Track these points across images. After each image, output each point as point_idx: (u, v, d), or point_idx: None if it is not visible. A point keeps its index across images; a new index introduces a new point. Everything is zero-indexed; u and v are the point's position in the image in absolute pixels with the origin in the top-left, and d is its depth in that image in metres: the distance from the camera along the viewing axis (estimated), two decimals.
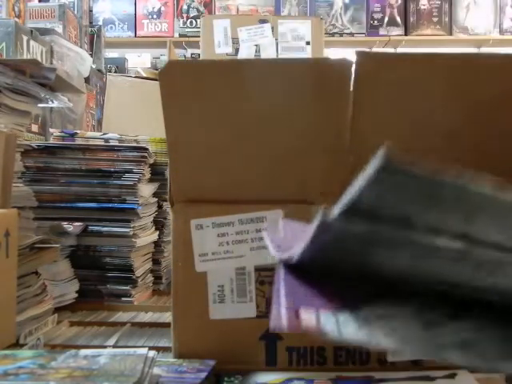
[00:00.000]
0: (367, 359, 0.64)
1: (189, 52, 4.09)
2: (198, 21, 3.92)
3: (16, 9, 1.73)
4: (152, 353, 0.55)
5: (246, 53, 2.30)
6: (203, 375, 0.57)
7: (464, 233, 0.22)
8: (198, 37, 2.69)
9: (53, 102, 1.02)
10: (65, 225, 1.05)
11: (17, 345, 0.76)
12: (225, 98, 0.64)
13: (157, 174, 1.16)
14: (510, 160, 0.65)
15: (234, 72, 0.64)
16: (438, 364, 0.62)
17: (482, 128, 0.63)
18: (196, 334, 0.64)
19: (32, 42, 1.53)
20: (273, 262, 0.57)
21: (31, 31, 1.55)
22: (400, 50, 3.87)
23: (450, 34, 3.98)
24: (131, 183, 1.07)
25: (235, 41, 2.33)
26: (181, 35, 4.09)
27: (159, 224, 1.20)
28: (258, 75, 0.64)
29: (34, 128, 1.42)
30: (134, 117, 1.71)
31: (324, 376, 0.61)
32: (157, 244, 1.19)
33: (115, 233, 1.07)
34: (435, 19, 3.98)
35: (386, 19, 4.01)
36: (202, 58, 2.49)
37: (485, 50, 3.95)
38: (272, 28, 2.31)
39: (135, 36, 4.12)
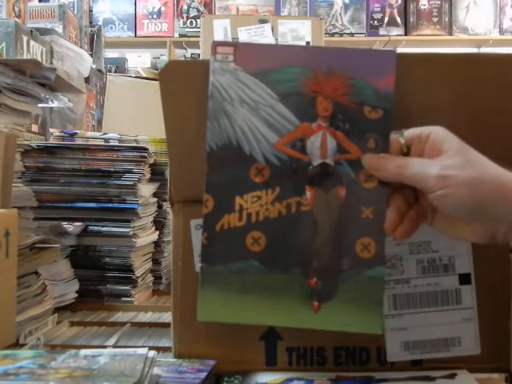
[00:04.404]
0: (367, 359, 0.64)
1: (189, 52, 4.10)
2: (198, 21, 3.93)
3: (16, 9, 1.73)
4: (152, 353, 0.55)
5: None
6: (203, 375, 0.57)
7: None
8: (198, 37, 2.70)
9: (53, 102, 1.02)
10: (65, 225, 1.05)
11: (17, 345, 0.76)
12: None
13: (157, 174, 1.16)
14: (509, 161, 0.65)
15: None
16: (438, 364, 0.62)
17: (483, 128, 0.63)
18: (196, 334, 0.64)
19: (32, 42, 1.53)
20: None
21: (31, 31, 1.54)
22: (400, 50, 3.87)
23: (450, 34, 3.99)
24: (131, 183, 1.07)
25: (235, 41, 2.33)
26: (181, 35, 4.09)
27: (159, 224, 1.20)
28: None
29: (34, 128, 1.42)
30: (134, 117, 1.71)
31: (324, 376, 0.61)
32: (157, 244, 1.19)
33: (115, 233, 1.07)
34: (435, 19, 3.99)
35: (386, 19, 4.02)
36: (201, 58, 2.49)
37: (485, 49, 3.96)
38: (272, 28, 2.31)
39: (135, 36, 4.13)
